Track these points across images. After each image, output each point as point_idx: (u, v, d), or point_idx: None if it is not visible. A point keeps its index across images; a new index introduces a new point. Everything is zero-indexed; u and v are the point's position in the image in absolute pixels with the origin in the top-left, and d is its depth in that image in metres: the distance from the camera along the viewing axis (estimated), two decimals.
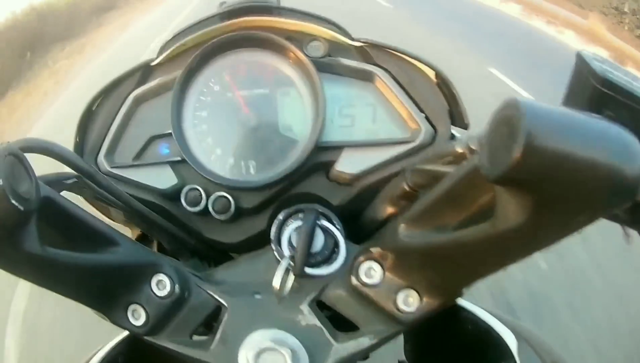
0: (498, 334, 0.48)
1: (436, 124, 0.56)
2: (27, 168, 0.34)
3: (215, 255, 0.61)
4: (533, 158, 0.23)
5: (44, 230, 0.36)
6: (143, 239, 0.63)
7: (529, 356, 0.46)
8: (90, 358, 0.51)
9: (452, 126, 0.57)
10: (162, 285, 0.44)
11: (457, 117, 0.58)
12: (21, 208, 0.31)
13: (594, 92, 0.31)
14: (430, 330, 0.54)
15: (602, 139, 0.25)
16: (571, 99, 0.34)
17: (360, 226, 0.57)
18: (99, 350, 0.52)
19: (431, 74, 0.58)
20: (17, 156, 0.33)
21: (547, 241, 0.29)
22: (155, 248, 0.63)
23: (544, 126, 0.24)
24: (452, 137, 0.58)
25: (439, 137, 0.56)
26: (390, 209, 0.54)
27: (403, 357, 0.67)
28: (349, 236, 0.49)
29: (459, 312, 0.53)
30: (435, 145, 0.55)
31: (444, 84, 0.57)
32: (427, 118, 0.56)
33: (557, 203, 0.26)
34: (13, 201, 0.31)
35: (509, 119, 0.25)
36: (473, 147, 0.42)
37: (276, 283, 0.42)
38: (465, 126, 0.58)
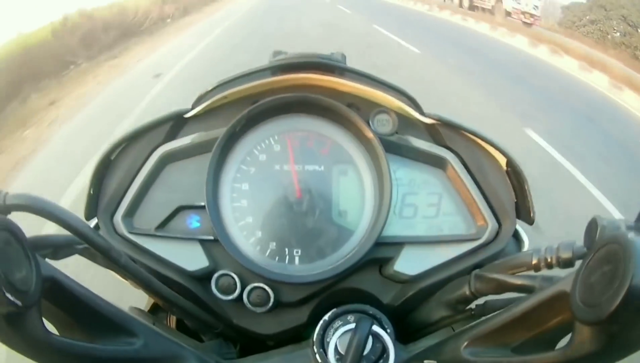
0: None
1: (502, 219, 0.51)
2: (23, 245, 0.29)
3: (242, 339, 0.54)
4: (633, 305, 0.23)
5: (53, 313, 0.32)
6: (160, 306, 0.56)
7: None
8: None
9: (517, 220, 0.52)
10: None
11: (522, 209, 0.52)
12: (19, 302, 0.27)
13: None
14: None
15: None
16: None
17: (409, 323, 0.52)
18: None
19: (502, 161, 0.52)
20: (10, 231, 0.28)
21: (617, 360, 0.28)
22: (174, 320, 0.56)
23: None
24: (516, 233, 0.53)
25: (503, 233, 0.50)
26: (445, 312, 0.49)
27: None
28: (395, 334, 0.43)
29: None
30: (498, 242, 0.50)
31: (514, 173, 0.51)
32: (493, 211, 0.51)
33: (635, 335, 0.25)
34: (9, 296, 0.26)
35: (613, 256, 0.24)
36: (550, 260, 0.40)
37: None
38: (530, 221, 0.53)
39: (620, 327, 0.24)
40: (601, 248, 0.26)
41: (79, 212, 0.45)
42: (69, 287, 0.33)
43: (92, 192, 0.51)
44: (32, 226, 0.36)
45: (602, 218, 0.32)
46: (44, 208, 0.33)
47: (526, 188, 0.51)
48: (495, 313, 0.35)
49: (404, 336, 0.48)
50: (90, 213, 0.51)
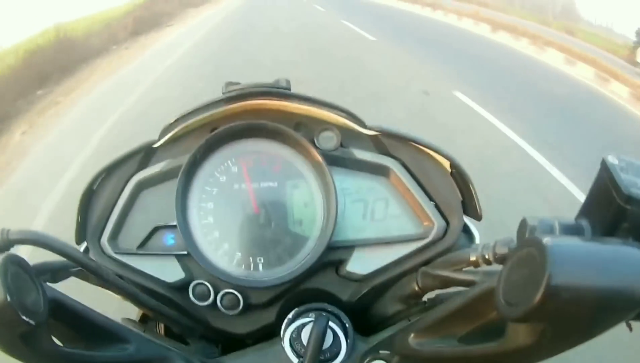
0: None
1: (449, 217, 0.56)
2: (30, 275, 0.35)
3: (223, 339, 0.60)
4: (554, 300, 0.24)
5: (57, 328, 0.39)
6: (149, 318, 0.62)
7: None
8: None
9: (465, 216, 0.57)
10: None
11: (469, 207, 0.57)
12: (32, 322, 0.33)
13: (616, 207, 0.31)
14: None
15: (624, 265, 0.26)
16: (591, 207, 0.34)
17: (369, 319, 0.58)
18: None
19: (446, 164, 0.57)
20: (19, 264, 0.34)
21: (554, 353, 0.31)
22: (162, 327, 0.62)
23: (566, 269, 0.24)
24: (465, 229, 0.57)
25: (451, 230, 0.55)
26: (398, 307, 0.55)
27: None
28: (355, 327, 0.50)
29: None
30: (446, 239, 0.55)
31: (458, 175, 0.56)
32: (440, 211, 0.56)
33: (572, 327, 0.27)
34: (24, 318, 0.32)
35: (530, 259, 0.26)
36: (487, 256, 0.43)
37: None
38: (478, 218, 0.57)
39: (543, 324, 0.26)
40: (521, 250, 0.27)
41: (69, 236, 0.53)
42: (69, 305, 0.39)
43: (79, 219, 0.58)
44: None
45: (534, 218, 0.33)
46: (40, 240, 0.39)
47: (471, 186, 0.56)
48: (438, 307, 0.40)
49: (366, 329, 0.54)
50: (80, 238, 0.58)
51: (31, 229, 0.40)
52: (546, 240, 0.25)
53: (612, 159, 0.32)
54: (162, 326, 0.63)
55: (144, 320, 0.61)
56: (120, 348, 0.43)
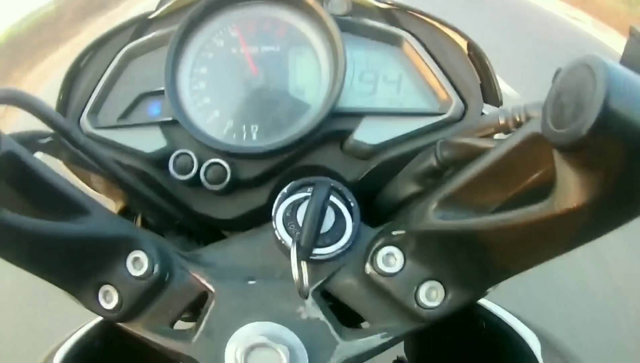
0: (519, 335, 0.43)
1: (467, 99, 0.50)
2: None
3: (206, 232, 0.54)
4: (614, 121, 0.20)
5: (4, 190, 0.31)
6: (126, 215, 0.56)
7: (554, 361, 0.41)
8: (63, 342, 0.46)
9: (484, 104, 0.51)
10: (138, 264, 0.38)
11: (489, 93, 0.51)
12: None
13: None
14: (438, 325, 0.48)
15: None
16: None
17: (377, 207, 0.51)
18: (73, 333, 0.47)
19: (463, 44, 0.51)
20: None
21: (608, 226, 0.25)
22: (139, 222, 0.56)
23: (627, 86, 0.20)
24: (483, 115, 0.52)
25: (469, 113, 0.49)
26: (413, 188, 0.48)
27: (402, 354, 0.62)
28: (363, 219, 0.42)
29: (472, 308, 0.47)
30: (465, 121, 0.49)
31: (476, 57, 0.51)
32: (457, 91, 0.50)
33: (632, 179, 0.22)
34: None
35: (585, 76, 0.21)
36: (519, 119, 0.37)
37: (295, 275, 0.35)
38: (498, 104, 0.52)
39: (605, 160, 0.21)
40: (572, 69, 0.23)
41: None
42: (27, 162, 0.32)
43: (61, 97, 0.52)
44: None
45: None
46: (13, 96, 0.34)
47: (490, 70, 0.50)
48: (465, 169, 0.32)
49: (374, 221, 0.46)
50: None
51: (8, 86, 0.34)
52: (603, 57, 0.21)
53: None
54: (139, 222, 0.58)
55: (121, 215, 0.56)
56: (77, 220, 0.35)
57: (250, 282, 0.39)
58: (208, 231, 0.54)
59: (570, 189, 0.23)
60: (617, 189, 0.22)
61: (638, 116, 0.20)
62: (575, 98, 0.21)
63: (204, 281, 0.39)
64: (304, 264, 0.36)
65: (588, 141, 0.20)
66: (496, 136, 0.41)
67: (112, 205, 0.58)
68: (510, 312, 0.46)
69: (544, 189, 0.26)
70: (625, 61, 0.31)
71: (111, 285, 0.38)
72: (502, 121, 0.39)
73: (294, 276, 0.35)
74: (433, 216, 0.33)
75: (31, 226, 0.32)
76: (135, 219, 0.58)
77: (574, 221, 0.24)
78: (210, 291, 0.39)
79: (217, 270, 0.41)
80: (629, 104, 0.20)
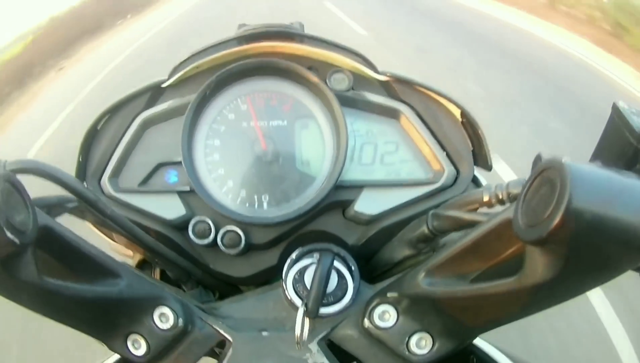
0: None
1: (459, 165, 0.55)
2: (23, 196, 0.33)
3: (221, 286, 0.58)
4: (575, 222, 0.23)
5: (43, 258, 0.35)
6: (146, 262, 0.60)
7: None
8: None
9: (475, 167, 0.56)
10: (164, 318, 0.43)
11: (480, 157, 0.56)
12: (17, 241, 0.30)
13: (629, 148, 0.32)
14: None
15: None
16: (603, 150, 0.35)
17: (375, 265, 0.56)
18: None
19: (457, 112, 0.56)
20: (13, 184, 0.32)
21: (574, 294, 0.29)
22: (158, 273, 0.61)
23: (587, 190, 0.23)
24: (474, 179, 0.56)
25: (461, 178, 0.54)
26: (407, 251, 0.53)
27: None
28: (362, 275, 0.48)
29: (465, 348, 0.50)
30: (456, 187, 0.54)
31: (469, 124, 0.55)
32: (450, 158, 0.55)
33: (593, 261, 0.26)
34: (9, 234, 0.29)
35: (551, 180, 0.25)
36: (500, 196, 0.42)
37: (298, 331, 0.41)
38: (488, 168, 0.56)
39: (564, 252, 0.25)
40: (539, 174, 0.26)
41: None
42: (61, 233, 0.36)
43: (81, 159, 0.56)
44: None
45: (548, 154, 0.33)
46: (38, 168, 0.38)
47: (481, 136, 0.55)
48: (450, 244, 0.37)
49: (372, 278, 0.53)
50: (79, 178, 0.56)
51: (30, 158, 0.39)
52: (566, 159, 0.25)
53: (623, 105, 0.34)
54: (157, 273, 0.61)
55: (140, 267, 0.60)
56: (110, 283, 0.40)
57: (264, 333, 0.44)
58: (223, 285, 0.58)
59: (537, 268, 0.27)
60: (577, 266, 0.26)
61: (599, 211, 0.23)
62: (542, 197, 0.25)
63: (222, 332, 0.44)
64: (306, 322, 0.41)
65: (552, 237, 0.24)
66: (480, 209, 0.46)
67: (132, 255, 0.62)
68: (504, 352, 0.50)
69: (517, 260, 0.30)
70: (606, 135, 0.35)
71: (140, 335, 0.42)
72: (485, 198, 0.43)
73: (296, 332, 0.40)
74: (422, 282, 0.38)
75: (68, 290, 0.36)
76: (154, 270, 0.61)
77: (541, 292, 0.29)
78: (228, 340, 0.44)
79: (233, 321, 0.46)
80: (591, 199, 0.23)
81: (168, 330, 0.42)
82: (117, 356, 0.50)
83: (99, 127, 0.57)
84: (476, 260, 0.35)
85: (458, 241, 0.36)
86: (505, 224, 0.31)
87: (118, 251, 0.59)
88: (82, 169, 0.56)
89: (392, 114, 0.56)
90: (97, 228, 0.55)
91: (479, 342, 0.51)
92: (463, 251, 0.35)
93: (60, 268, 0.38)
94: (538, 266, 0.27)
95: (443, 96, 0.55)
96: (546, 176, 0.25)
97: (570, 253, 0.25)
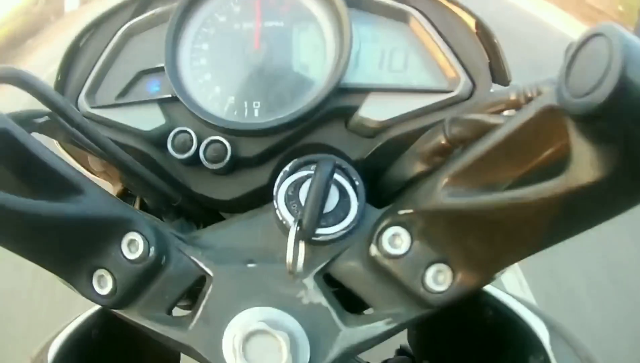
0: (526, 323, 0.42)
1: (475, 78, 0.48)
2: None
3: (205, 215, 0.53)
4: (632, 89, 0.19)
5: None
6: (124, 198, 0.55)
7: (562, 351, 0.40)
8: (60, 332, 0.45)
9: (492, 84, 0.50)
10: (134, 247, 0.36)
11: (497, 72, 0.50)
12: None
13: None
14: (443, 313, 0.47)
15: None
16: None
17: (383, 186, 0.50)
18: (69, 322, 0.46)
19: (471, 23, 0.50)
20: None
21: (626, 202, 0.24)
22: (138, 205, 0.55)
23: None
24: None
25: (478, 91, 0.48)
26: (421, 167, 0.46)
27: (406, 342, 0.61)
28: (368, 200, 0.41)
29: (478, 295, 0.46)
30: (473, 99, 0.47)
31: (484, 35, 0.49)
32: (465, 69, 0.48)
33: None
34: None
35: (600, 46, 0.21)
36: (530, 95, 0.36)
37: (289, 256, 0.34)
38: (506, 84, 0.50)
39: (622, 130, 0.21)
40: (587, 40, 0.22)
41: None
42: (20, 140, 0.31)
43: (59, 78, 0.51)
44: None
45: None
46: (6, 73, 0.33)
47: (499, 48, 0.49)
48: (476, 144, 0.31)
49: (380, 202, 0.45)
50: None
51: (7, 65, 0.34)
52: (617, 26, 0.20)
53: None
54: (136, 205, 0.57)
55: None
56: (71, 200, 0.34)
57: (250, 265, 0.38)
58: (207, 214, 0.53)
59: (587, 163, 0.22)
60: (635, 160, 0.21)
61: None
62: (592, 67, 0.21)
63: (201, 265, 0.38)
64: (301, 245, 0.35)
65: (606, 109, 0.20)
66: (507, 112, 0.40)
67: (111, 189, 0.58)
68: (518, 299, 0.45)
69: (558, 166, 0.24)
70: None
71: (105, 269, 0.36)
72: (513, 97, 0.37)
73: (287, 257, 0.34)
74: (442, 194, 0.31)
75: (23, 206, 0.30)
76: (134, 203, 0.57)
77: (591, 198, 0.23)
78: (208, 275, 0.38)
79: (215, 252, 0.40)
80: None
81: (137, 260, 0.36)
82: (96, 307, 0.45)
83: (81, 45, 0.52)
84: (508, 164, 0.29)
85: (485, 139, 0.29)
86: (545, 113, 0.25)
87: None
88: (60, 89, 0.51)
89: (402, 17, 0.50)
90: (70, 152, 0.51)
91: (495, 291, 0.46)
92: (492, 151, 0.29)
93: (16, 181, 0.32)
94: (588, 160, 0.22)
95: (456, 4, 0.49)
96: (594, 42, 0.21)
97: (626, 140, 0.21)
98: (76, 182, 0.34)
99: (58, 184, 0.33)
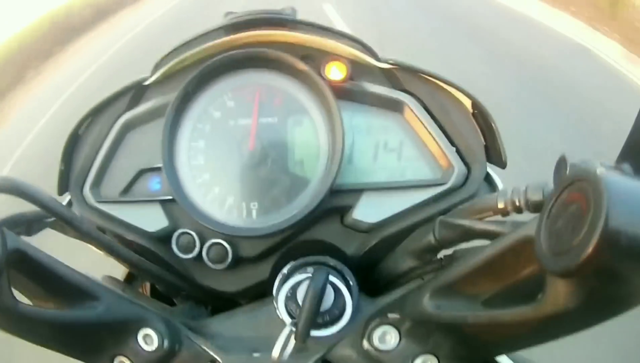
0: None
1: (470, 162, 0.49)
2: None
3: (212, 300, 0.54)
4: (611, 250, 0.19)
5: (21, 281, 0.34)
6: (134, 278, 0.57)
7: None
8: None
9: (487, 164, 0.51)
10: (149, 340, 0.40)
11: (493, 153, 0.51)
12: None
13: None
14: None
15: None
16: (632, 150, 0.31)
17: (377, 277, 0.51)
18: None
19: (467, 103, 0.50)
20: None
21: (596, 323, 0.25)
22: (148, 285, 0.57)
23: (627, 210, 0.19)
24: (487, 178, 0.51)
25: (472, 177, 0.49)
26: (412, 263, 0.48)
27: None
28: (362, 287, 0.44)
29: None
30: (467, 187, 0.49)
31: (481, 116, 0.50)
32: (460, 155, 0.49)
33: (627, 289, 0.22)
34: None
35: (582, 196, 0.21)
36: (517, 203, 0.37)
37: (275, 352, 0.38)
38: (502, 165, 0.51)
39: (593, 282, 0.21)
40: (568, 186, 0.23)
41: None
42: (34, 257, 0.34)
43: (63, 168, 0.52)
44: None
45: (573, 158, 0.30)
46: (11, 187, 0.35)
47: (495, 129, 0.49)
48: (460, 261, 0.33)
49: (374, 290, 0.48)
50: (62, 188, 0.52)
51: (5, 176, 0.36)
52: (600, 170, 0.21)
53: None
54: (147, 287, 0.57)
55: (129, 280, 0.56)
56: (88, 306, 0.37)
57: (255, 354, 0.41)
58: (214, 299, 0.54)
59: (559, 295, 0.23)
60: (608, 296, 0.22)
61: (637, 238, 0.19)
62: (570, 221, 0.21)
63: (211, 352, 0.41)
64: (291, 344, 0.38)
65: (581, 271, 0.20)
66: (493, 218, 0.41)
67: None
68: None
69: (535, 281, 0.26)
70: (634, 134, 0.31)
71: (125, 357, 0.40)
72: (500, 205, 0.38)
73: (272, 354, 0.38)
74: (427, 304, 0.34)
75: (46, 316, 0.34)
76: (144, 283, 0.57)
77: (562, 322, 0.25)
78: (218, 361, 0.41)
79: (223, 341, 0.43)
80: (632, 220, 0.19)
81: (153, 352, 0.40)
82: None
83: (80, 132, 0.53)
84: (489, 280, 0.31)
85: (469, 259, 0.31)
86: (525, 243, 0.27)
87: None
88: (64, 179, 0.52)
89: (395, 107, 0.50)
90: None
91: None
92: (475, 271, 0.31)
93: (38, 291, 0.36)
94: (560, 294, 0.23)
95: (452, 85, 0.50)
96: (576, 190, 0.22)
97: (602, 280, 0.21)
98: (91, 290, 0.38)
99: (75, 293, 0.37)
